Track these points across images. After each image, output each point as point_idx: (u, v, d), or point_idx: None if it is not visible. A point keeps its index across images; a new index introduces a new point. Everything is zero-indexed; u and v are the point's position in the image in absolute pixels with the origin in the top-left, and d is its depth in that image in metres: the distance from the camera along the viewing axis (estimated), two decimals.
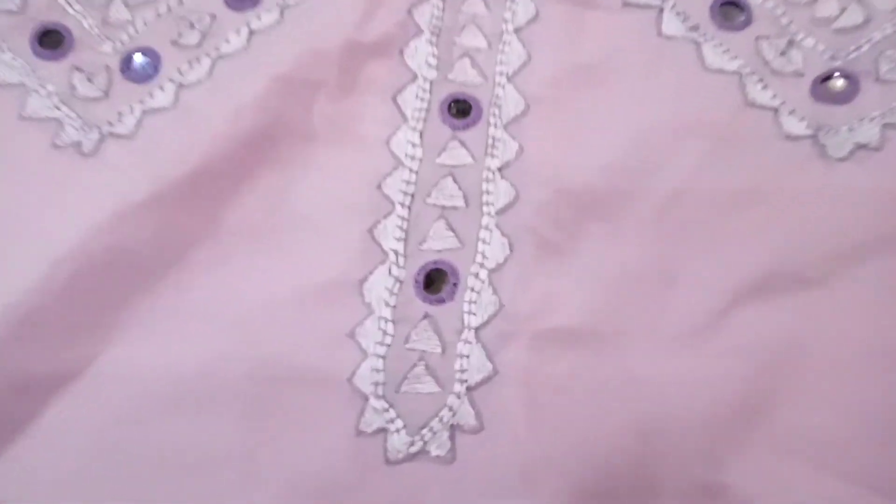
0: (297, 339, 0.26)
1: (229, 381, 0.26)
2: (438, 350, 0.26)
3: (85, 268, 0.26)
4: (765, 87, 0.29)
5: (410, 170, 0.29)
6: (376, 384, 0.26)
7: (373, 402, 0.26)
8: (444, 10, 0.31)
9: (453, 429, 0.25)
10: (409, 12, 0.31)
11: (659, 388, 0.26)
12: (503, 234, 0.28)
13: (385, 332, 0.27)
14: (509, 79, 0.30)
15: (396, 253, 0.28)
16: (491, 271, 0.28)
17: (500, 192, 0.29)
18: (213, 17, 0.31)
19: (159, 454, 0.25)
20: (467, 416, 0.26)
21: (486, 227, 0.28)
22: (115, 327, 0.26)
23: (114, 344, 0.26)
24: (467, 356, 0.26)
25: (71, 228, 0.26)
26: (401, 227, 0.28)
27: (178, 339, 0.26)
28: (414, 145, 0.29)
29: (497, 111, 0.30)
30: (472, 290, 0.27)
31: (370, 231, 0.28)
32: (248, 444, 0.25)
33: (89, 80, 0.30)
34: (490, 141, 0.29)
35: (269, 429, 0.25)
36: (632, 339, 0.26)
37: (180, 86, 0.30)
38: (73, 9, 0.31)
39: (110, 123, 0.29)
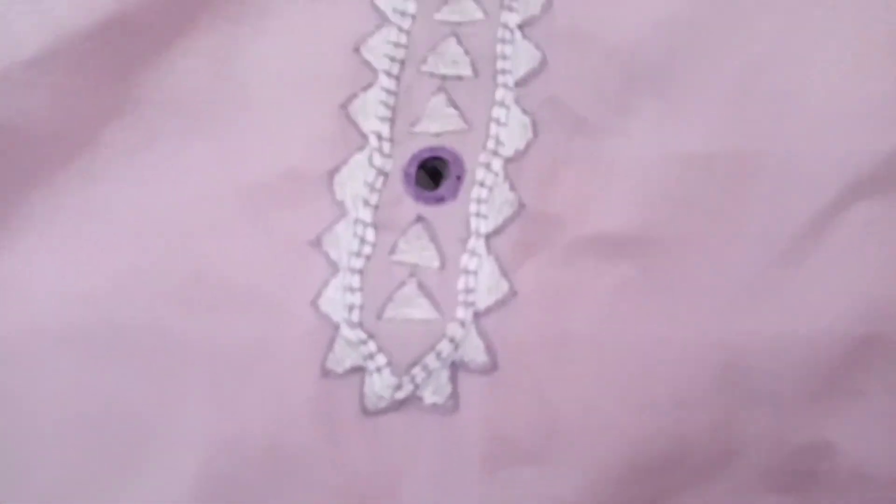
0: (241, 250, 0.20)
1: (149, 306, 0.19)
2: (436, 264, 0.20)
3: None
4: None
5: (399, 28, 0.22)
6: (350, 308, 0.19)
7: (345, 331, 0.19)
8: None
9: (455, 368, 0.19)
10: None
11: (740, 321, 0.19)
12: (524, 112, 0.21)
13: (363, 240, 0.20)
14: None
15: (379, 136, 0.21)
16: (508, 161, 0.20)
17: (520, 57, 0.21)
18: None
19: (50, 407, 0.18)
20: (474, 352, 0.19)
21: (502, 103, 0.21)
22: (8, 223, 0.20)
23: (5, 247, 0.20)
24: (475, 272, 0.19)
25: None
26: (386, 103, 0.21)
27: (81, 250, 0.20)
28: None
29: None
30: (482, 184, 0.20)
31: (344, 107, 0.21)
32: (172, 393, 0.19)
33: None
34: None
35: (201, 372, 0.19)
36: (701, 252, 0.19)
37: None
38: None
39: None
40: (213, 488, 0.18)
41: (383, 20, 0.22)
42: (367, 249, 0.20)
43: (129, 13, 0.21)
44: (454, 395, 0.19)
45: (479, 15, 0.22)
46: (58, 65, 0.20)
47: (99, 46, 0.21)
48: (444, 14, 0.22)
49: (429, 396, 0.19)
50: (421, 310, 0.19)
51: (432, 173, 0.21)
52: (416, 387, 0.19)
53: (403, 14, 0.22)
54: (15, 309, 0.19)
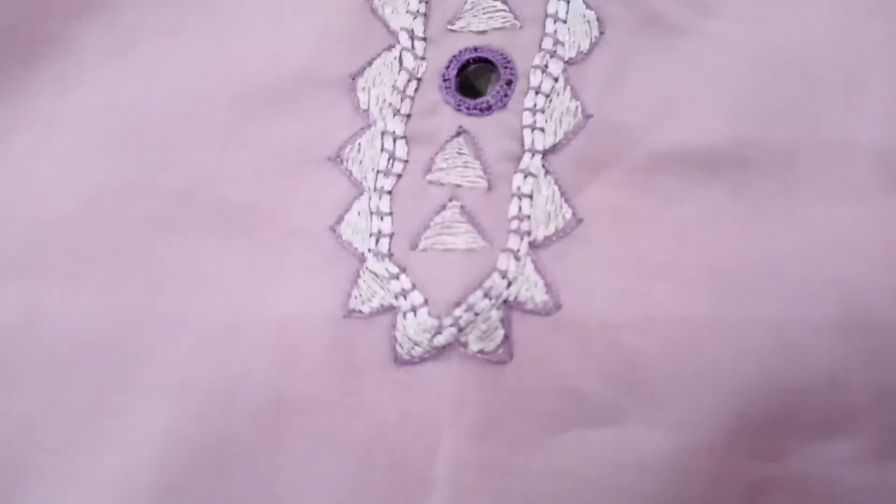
0: (240, 167, 0.17)
1: (126, 230, 0.16)
2: (482, 185, 0.16)
3: None
4: None
5: None
6: (378, 236, 0.16)
7: (372, 263, 0.15)
8: None
9: (508, 308, 0.15)
10: None
11: (857, 253, 0.15)
12: (588, 6, 0.17)
13: (393, 156, 0.16)
14: None
15: (411, 34, 0.17)
16: (569, 63, 0.17)
17: None
18: None
19: (8, 345, 0.15)
20: (532, 289, 0.15)
21: None
22: None
23: None
24: (529, 196, 0.16)
25: None
26: None
27: (49, 166, 0.17)
28: None
29: None
30: (538, 91, 0.17)
31: (369, 0, 0.17)
32: (153, 332, 0.15)
33: None
34: None
35: (189, 307, 0.15)
36: (806, 172, 0.16)
37: None
38: None
39: None
40: (197, 445, 0.14)
41: None
42: (397, 167, 0.16)
43: None
44: (507, 341, 0.15)
45: None
46: None
47: None
48: None
49: (475, 343, 0.15)
50: (465, 238, 0.16)
51: (473, 83, 0.18)
52: (460, 331, 0.15)
53: None
54: None
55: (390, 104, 0.17)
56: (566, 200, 0.16)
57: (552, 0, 0.17)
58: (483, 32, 0.17)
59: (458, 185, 0.16)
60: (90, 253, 0.16)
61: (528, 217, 0.16)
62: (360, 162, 0.16)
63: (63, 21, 0.17)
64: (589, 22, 0.17)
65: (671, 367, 0.14)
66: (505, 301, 0.15)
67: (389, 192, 0.16)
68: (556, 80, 0.17)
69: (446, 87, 0.17)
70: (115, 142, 0.17)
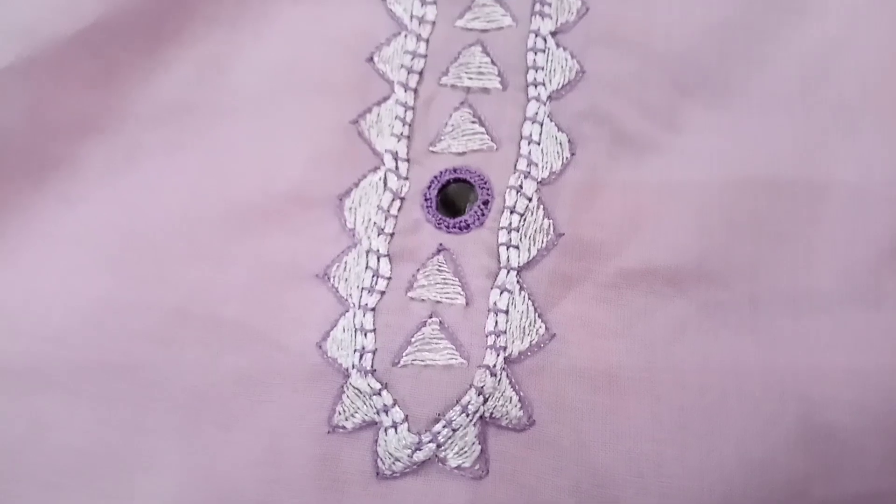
0: (232, 283, 0.18)
1: (124, 346, 0.17)
2: (460, 301, 0.17)
3: None
4: None
5: (418, 37, 0.20)
6: (361, 352, 0.16)
7: (356, 379, 0.16)
8: None
9: (485, 424, 0.16)
10: None
11: (817, 366, 0.16)
12: (560, 129, 0.18)
13: (377, 274, 0.17)
14: None
15: (395, 156, 0.18)
16: (542, 183, 0.18)
17: (554, 67, 0.19)
18: None
19: (7, 458, 0.16)
20: (507, 405, 0.16)
21: (534, 119, 0.18)
22: None
23: None
24: (505, 311, 0.17)
25: None
26: (402, 119, 0.19)
27: (51, 281, 0.18)
28: (424, 2, 0.20)
29: None
30: (513, 210, 0.18)
31: (355, 123, 0.19)
32: (146, 444, 0.16)
33: None
34: None
35: (181, 421, 0.16)
36: (770, 287, 0.17)
37: None
38: None
39: None
40: None
41: (399, 27, 0.20)
42: (381, 284, 0.17)
43: (114, 18, 0.19)
44: (483, 456, 0.16)
45: (507, 21, 0.20)
46: (35, 73, 0.18)
47: (80, 54, 0.18)
48: (468, 21, 0.20)
49: (453, 458, 0.16)
50: (444, 355, 0.16)
51: (453, 200, 0.19)
52: (439, 446, 0.16)
53: (422, 21, 0.20)
54: None
55: (375, 223, 0.18)
56: (540, 316, 0.17)
57: (526, 123, 0.19)
58: (462, 154, 0.19)
59: (438, 302, 0.17)
60: (89, 366, 0.17)
61: (504, 332, 0.17)
62: (346, 279, 0.17)
63: (68, 142, 0.19)
64: (561, 144, 0.18)
65: (637, 485, 0.15)
66: (481, 417, 0.16)
67: (373, 310, 0.17)
68: (529, 199, 0.18)
69: (427, 207, 0.18)
70: (114, 257, 0.18)
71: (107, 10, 0.19)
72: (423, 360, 0.16)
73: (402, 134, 0.19)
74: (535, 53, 0.19)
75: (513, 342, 0.17)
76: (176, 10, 0.19)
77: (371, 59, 0.19)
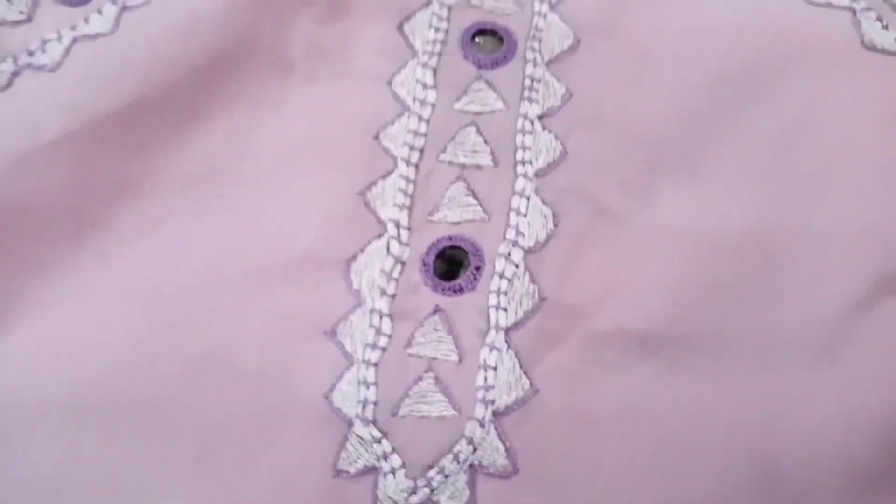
0: (252, 335, 0.19)
1: (156, 386, 0.19)
2: (454, 358, 0.19)
3: None
4: (885, 28, 0.22)
5: (420, 117, 0.22)
6: (364, 403, 0.18)
7: (359, 428, 0.18)
8: None
9: (474, 471, 0.18)
10: None
11: (773, 422, 0.18)
12: (545, 202, 0.21)
13: (379, 331, 0.19)
14: (553, 6, 0.23)
15: (398, 224, 0.20)
16: (528, 251, 0.20)
17: (540, 147, 0.21)
18: None
19: (47, 483, 0.17)
20: (494, 454, 0.18)
21: (522, 193, 0.21)
22: (8, 309, 0.19)
23: (6, 329, 0.19)
24: (494, 367, 0.19)
25: None
26: (405, 191, 0.21)
27: (91, 329, 0.19)
28: (425, 86, 0.22)
29: (536, 45, 0.23)
30: (502, 276, 0.20)
31: (362, 194, 0.21)
32: (169, 475, 0.18)
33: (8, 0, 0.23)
34: (527, 82, 0.22)
35: (202, 455, 0.18)
36: (733, 347, 0.19)
37: (124, 8, 0.22)
38: None
39: (30, 53, 0.22)
40: None
41: (403, 108, 0.22)
42: (382, 341, 0.19)
43: (150, 96, 0.21)
44: (472, 500, 0.17)
45: (499, 105, 0.22)
46: (78, 146, 0.20)
47: (120, 128, 0.21)
48: (464, 104, 0.22)
49: (445, 502, 0.17)
50: (438, 407, 0.18)
51: (450, 263, 0.21)
52: (432, 490, 0.17)
53: (423, 103, 0.22)
54: (22, 384, 0.18)
55: (378, 285, 0.20)
56: (525, 372, 0.19)
57: (515, 197, 0.21)
58: (457, 223, 0.21)
59: (434, 358, 0.19)
60: (120, 406, 0.18)
61: (493, 387, 0.19)
62: (352, 336, 0.19)
63: (106, 205, 0.20)
64: (545, 216, 0.21)
65: None
66: (471, 465, 0.18)
67: (375, 364, 0.19)
68: (517, 266, 0.20)
69: (426, 271, 0.20)
70: (145, 309, 0.19)
71: (143, 90, 0.21)
72: (419, 412, 0.18)
73: (403, 204, 0.21)
74: (524, 135, 0.22)
75: (500, 396, 0.18)
76: (205, 89, 0.21)
77: (377, 136, 0.22)
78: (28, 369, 0.19)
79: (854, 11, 0.23)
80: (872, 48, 0.22)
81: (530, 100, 0.22)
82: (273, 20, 0.22)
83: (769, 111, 0.21)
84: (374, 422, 0.18)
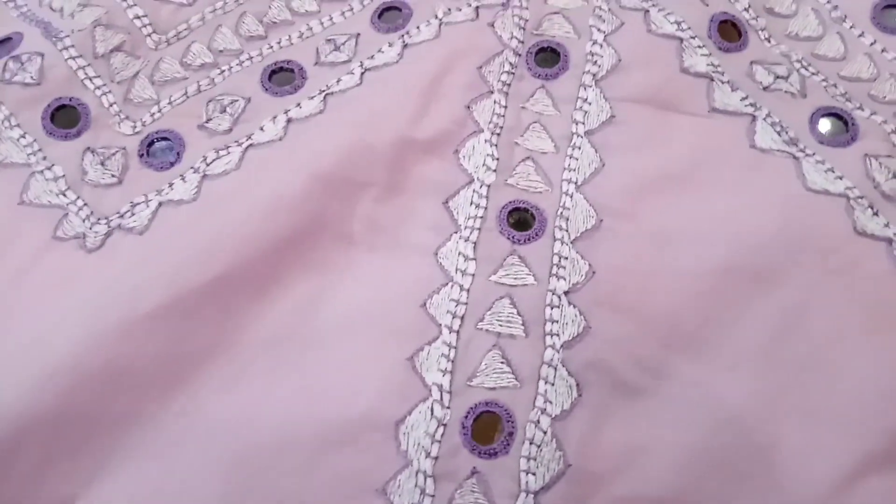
0: (312, 489, 0.22)
1: None
2: None
3: (79, 386, 0.22)
4: (876, 214, 0.25)
5: (461, 287, 0.25)
6: None
7: None
8: (506, 107, 0.28)
9: None
10: (468, 108, 0.27)
11: None
12: (570, 373, 0.23)
13: (424, 492, 0.22)
14: (578, 187, 0.26)
15: (441, 389, 0.23)
16: (555, 419, 0.23)
17: (566, 321, 0.24)
18: (248, 100, 0.28)
19: None
20: None
21: (550, 363, 0.24)
22: (105, 462, 0.22)
23: (101, 481, 0.22)
24: None
25: (68, 337, 0.23)
26: (447, 357, 0.24)
27: (175, 485, 0.22)
28: (466, 258, 0.25)
29: (564, 224, 0.26)
30: (531, 441, 0.22)
31: (411, 359, 0.24)
32: None
33: (102, 163, 0.27)
34: (555, 259, 0.25)
35: None
36: None
37: (205, 176, 0.26)
38: (94, 83, 0.28)
39: (120, 215, 0.25)
40: None
41: (447, 278, 0.25)
42: (426, 501, 0.22)
43: (234, 270, 0.24)
44: None
45: (530, 280, 0.25)
46: (170, 318, 0.23)
47: (207, 299, 0.24)
48: (500, 276, 0.25)
49: None
50: None
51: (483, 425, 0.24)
52: None
53: (464, 274, 0.25)
54: None
55: (422, 447, 0.23)
56: None
57: (543, 366, 0.23)
58: (493, 389, 0.23)
59: None
60: None
61: None
62: (400, 495, 0.22)
63: (190, 368, 0.23)
64: (570, 387, 0.23)
65: None
66: None
67: None
68: (545, 432, 0.23)
69: (464, 434, 0.23)
70: (224, 464, 0.22)
71: (230, 265, 0.24)
72: None
73: (446, 369, 0.24)
74: (552, 308, 0.24)
75: None
76: (279, 260, 0.24)
77: (424, 304, 0.25)
78: None
79: (848, 198, 0.26)
80: (863, 234, 0.25)
81: (558, 276, 0.25)
82: (338, 200, 0.25)
83: (771, 298, 0.24)
84: None
